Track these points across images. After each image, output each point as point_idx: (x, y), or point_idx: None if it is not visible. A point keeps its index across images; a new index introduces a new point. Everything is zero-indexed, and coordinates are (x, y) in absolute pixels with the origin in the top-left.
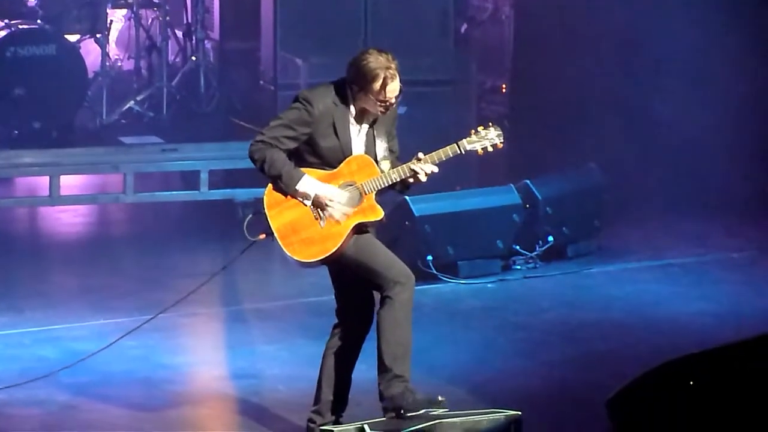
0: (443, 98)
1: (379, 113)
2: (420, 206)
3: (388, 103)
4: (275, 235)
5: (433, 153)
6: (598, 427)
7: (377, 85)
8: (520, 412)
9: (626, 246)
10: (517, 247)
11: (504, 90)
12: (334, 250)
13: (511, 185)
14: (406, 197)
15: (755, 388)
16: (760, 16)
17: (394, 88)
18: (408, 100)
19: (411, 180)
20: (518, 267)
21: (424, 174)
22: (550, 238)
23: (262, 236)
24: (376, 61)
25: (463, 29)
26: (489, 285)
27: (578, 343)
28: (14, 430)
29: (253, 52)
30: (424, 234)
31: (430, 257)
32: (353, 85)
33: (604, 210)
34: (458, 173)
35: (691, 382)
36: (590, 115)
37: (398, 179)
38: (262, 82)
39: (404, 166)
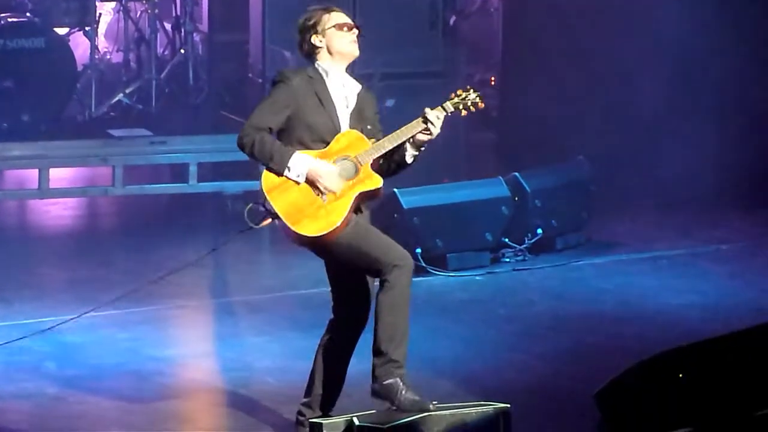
0: (432, 90)
1: (353, 45)
2: (409, 198)
3: (351, 26)
4: (280, 216)
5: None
6: (586, 420)
7: (324, 15)
8: (509, 405)
9: (615, 238)
10: (506, 240)
11: (493, 82)
12: (339, 221)
13: (500, 178)
14: (395, 190)
15: (744, 381)
16: (750, 14)
17: (338, 11)
18: (396, 92)
19: (424, 136)
20: (507, 259)
21: (436, 118)
22: (539, 231)
23: (268, 221)
24: (309, 11)
25: (451, 21)
26: (478, 278)
27: (567, 335)
28: (3, 422)
29: (241, 45)
30: (413, 226)
31: (419, 250)
32: (313, 36)
33: (592, 202)
34: (447, 166)
35: (681, 375)
36: (579, 108)
37: (392, 147)
38: (250, 74)
39: (406, 127)
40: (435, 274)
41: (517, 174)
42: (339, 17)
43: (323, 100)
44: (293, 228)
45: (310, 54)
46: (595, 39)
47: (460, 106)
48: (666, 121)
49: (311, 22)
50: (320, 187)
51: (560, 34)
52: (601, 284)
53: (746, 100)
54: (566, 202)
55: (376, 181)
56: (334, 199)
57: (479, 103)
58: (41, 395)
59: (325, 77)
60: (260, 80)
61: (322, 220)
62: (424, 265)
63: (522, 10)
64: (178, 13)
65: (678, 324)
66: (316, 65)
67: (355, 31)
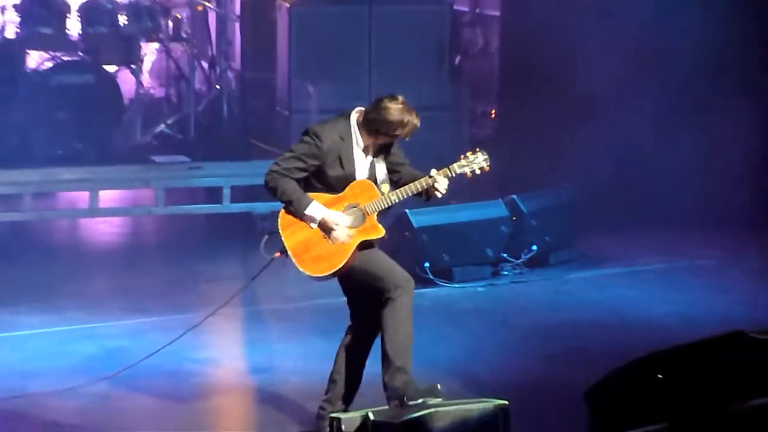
0: (439, 122)
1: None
2: (418, 218)
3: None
4: (289, 253)
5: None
6: (576, 415)
7: (406, 130)
8: (507, 402)
9: (602, 254)
10: (505, 255)
11: (493, 115)
12: (340, 266)
13: (500, 200)
14: (406, 210)
15: (714, 382)
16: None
17: (418, 123)
18: None
19: (434, 192)
20: (506, 273)
21: (441, 189)
22: (534, 247)
23: (278, 254)
24: (398, 110)
25: (457, 61)
26: (480, 289)
27: (559, 341)
28: (54, 417)
29: (270, 81)
30: (423, 243)
31: (427, 264)
32: (378, 129)
33: (583, 222)
34: (453, 189)
35: (659, 376)
36: (571, 138)
37: (398, 201)
38: (278, 107)
39: (413, 184)
40: (441, 285)
41: (514, 197)
42: (410, 132)
43: (345, 162)
44: (297, 266)
45: (366, 126)
46: (586, 78)
47: (467, 170)
48: (648, 150)
49: (398, 131)
50: (332, 234)
51: (554, 72)
52: (590, 295)
53: (718, 134)
54: (559, 221)
55: (379, 232)
56: (339, 243)
57: (485, 167)
58: (88, 393)
59: (354, 140)
60: (287, 112)
61: (325, 262)
62: (431, 277)
63: (519, 50)
64: (214, 52)
65: (657, 331)
66: (354, 127)
67: None
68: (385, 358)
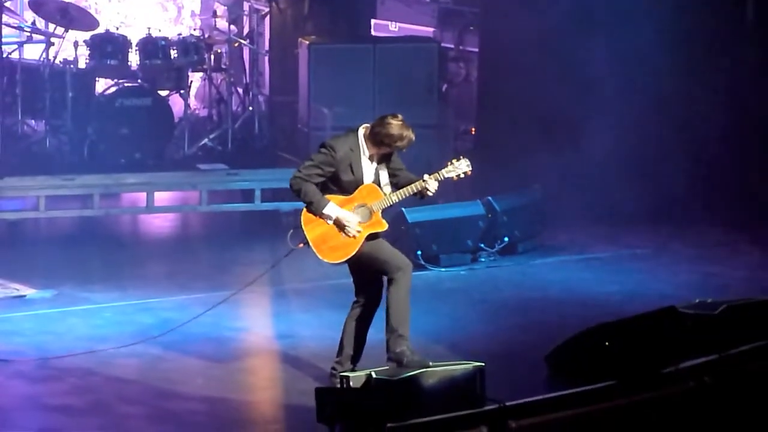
0: (429, 138)
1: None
2: (413, 215)
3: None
4: (310, 244)
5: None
6: (538, 375)
7: (404, 142)
8: (483, 364)
9: (560, 244)
10: (482, 245)
11: (473, 132)
12: (352, 254)
13: (478, 200)
14: (403, 209)
15: (652, 348)
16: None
17: (413, 139)
18: None
19: (426, 193)
20: (483, 259)
21: (432, 189)
22: (506, 239)
23: (301, 245)
24: (398, 126)
25: (444, 88)
26: (462, 272)
27: (525, 314)
28: (117, 374)
29: (293, 104)
30: (416, 235)
31: (419, 252)
32: (382, 141)
33: (545, 218)
34: (440, 191)
35: (606, 343)
36: (534, 149)
37: (398, 200)
38: (299, 125)
39: (409, 186)
40: (431, 269)
41: (490, 198)
42: (407, 143)
43: (354, 169)
44: (317, 255)
45: (372, 138)
46: (546, 103)
47: (453, 174)
48: (598, 158)
49: (398, 143)
50: (344, 230)
51: (521, 97)
52: (550, 277)
53: (658, 134)
54: (526, 217)
55: (383, 226)
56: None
57: (468, 172)
58: (146, 354)
59: (362, 151)
60: (306, 130)
61: (339, 251)
62: (423, 263)
63: (493, 80)
64: (248, 80)
65: (605, 306)
66: (361, 140)
67: None
68: (389, 326)
